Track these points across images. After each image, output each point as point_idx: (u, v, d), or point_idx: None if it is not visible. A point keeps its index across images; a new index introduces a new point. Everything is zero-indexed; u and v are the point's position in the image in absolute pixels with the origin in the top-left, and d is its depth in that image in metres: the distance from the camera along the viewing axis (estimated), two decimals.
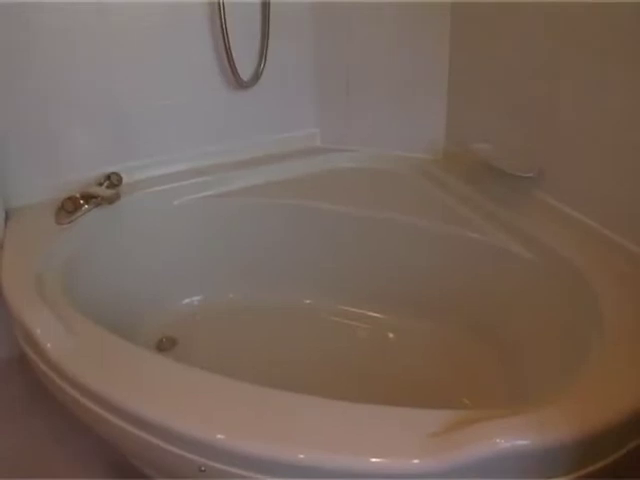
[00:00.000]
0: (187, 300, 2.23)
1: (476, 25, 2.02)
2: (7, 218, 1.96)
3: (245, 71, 2.19)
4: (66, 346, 1.35)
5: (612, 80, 1.57)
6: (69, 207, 1.93)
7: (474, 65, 2.07)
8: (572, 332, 1.50)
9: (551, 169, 1.82)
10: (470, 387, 1.82)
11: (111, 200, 1.97)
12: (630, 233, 1.58)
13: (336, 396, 1.15)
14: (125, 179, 2.08)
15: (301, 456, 1.04)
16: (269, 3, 2.13)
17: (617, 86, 1.56)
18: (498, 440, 1.01)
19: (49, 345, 1.35)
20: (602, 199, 1.67)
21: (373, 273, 2.12)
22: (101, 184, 2.04)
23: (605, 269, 1.55)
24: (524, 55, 1.85)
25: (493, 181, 1.98)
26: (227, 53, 2.10)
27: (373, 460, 1.02)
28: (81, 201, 1.95)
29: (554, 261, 1.66)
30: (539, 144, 1.86)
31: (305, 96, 2.38)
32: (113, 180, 2.05)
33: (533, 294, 1.72)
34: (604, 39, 1.57)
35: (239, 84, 2.19)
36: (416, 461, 1.01)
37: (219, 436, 1.08)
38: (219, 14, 2.04)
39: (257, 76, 2.22)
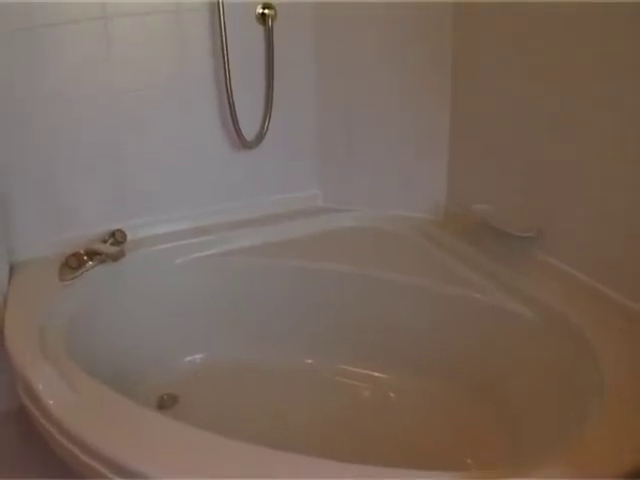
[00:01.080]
0: (189, 358, 2.22)
1: (476, 88, 2.08)
2: (11, 272, 1.98)
3: (249, 131, 2.23)
4: (67, 402, 1.35)
5: (607, 146, 1.61)
6: (73, 263, 1.95)
7: (475, 126, 2.12)
8: (572, 390, 1.50)
9: (550, 229, 1.85)
10: (473, 447, 1.81)
11: (115, 257, 1.98)
12: (627, 289, 1.61)
13: (337, 457, 1.14)
14: (129, 236, 2.10)
15: None
16: (273, 67, 2.19)
17: (612, 151, 1.60)
18: None
19: (51, 401, 1.35)
20: (599, 257, 1.70)
21: (374, 333, 2.11)
22: (105, 241, 2.06)
23: (604, 326, 1.56)
24: (523, 118, 1.89)
25: (493, 241, 1.99)
26: (232, 114, 2.15)
27: None
28: (85, 257, 1.97)
29: (554, 320, 1.67)
30: (538, 204, 1.89)
31: (307, 157, 2.42)
32: (117, 237, 2.07)
33: (534, 353, 1.72)
34: (600, 105, 1.62)
35: (243, 145, 2.23)
36: None
37: None
38: (224, 77, 2.10)
39: (261, 137, 2.26)
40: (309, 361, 2.20)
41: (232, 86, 2.11)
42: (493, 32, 1.97)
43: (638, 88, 1.49)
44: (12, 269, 2.00)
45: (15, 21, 1.88)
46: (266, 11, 2.15)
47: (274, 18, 2.16)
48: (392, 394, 2.07)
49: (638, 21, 1.46)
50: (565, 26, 1.68)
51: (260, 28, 2.18)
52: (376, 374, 2.13)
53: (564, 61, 1.70)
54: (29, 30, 1.91)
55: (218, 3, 2.01)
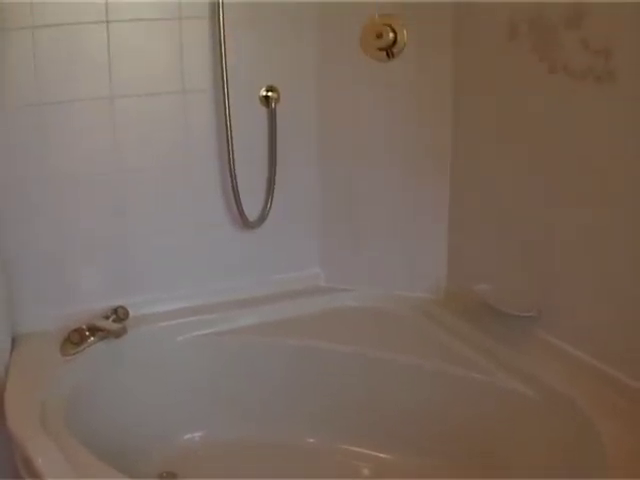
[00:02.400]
0: (189, 435, 2.19)
1: (475, 169, 2.14)
2: (13, 344, 1.98)
3: (251, 211, 2.27)
4: (66, 478, 1.34)
5: (606, 225, 1.66)
6: (75, 339, 1.95)
7: (474, 207, 2.17)
8: (574, 468, 1.50)
9: (550, 307, 1.88)
10: None
11: (117, 334, 1.99)
12: (628, 368, 1.62)
13: None
14: (131, 313, 2.11)
15: None
16: (275, 148, 2.25)
17: (611, 230, 1.65)
18: None
19: (49, 476, 1.34)
20: (600, 336, 1.71)
21: (375, 412, 2.10)
22: (108, 317, 2.07)
23: (605, 405, 1.57)
24: (523, 199, 1.95)
25: (494, 320, 2.01)
26: (235, 194, 2.20)
27: None
28: (87, 333, 1.97)
29: (555, 399, 1.68)
30: (538, 283, 1.92)
31: (309, 236, 2.45)
32: (120, 314, 2.08)
33: (535, 431, 1.72)
34: (600, 191, 1.67)
35: (245, 224, 2.27)
36: None
37: None
38: (228, 157, 2.15)
39: (263, 217, 2.30)
40: (310, 440, 2.18)
41: (235, 166, 2.16)
42: (492, 119, 2.05)
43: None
44: (14, 341, 2.00)
45: (22, 97, 1.96)
46: (270, 94, 2.22)
47: (277, 101, 2.23)
48: (393, 474, 2.05)
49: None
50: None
51: (264, 110, 2.25)
52: (377, 454, 2.10)
53: (563, 140, 1.78)
54: (36, 107, 1.98)
55: (223, 85, 2.08)
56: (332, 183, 2.38)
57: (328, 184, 2.39)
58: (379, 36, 2.14)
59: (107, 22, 2.00)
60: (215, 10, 2.05)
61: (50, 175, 2.04)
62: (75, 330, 1.97)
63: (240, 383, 2.21)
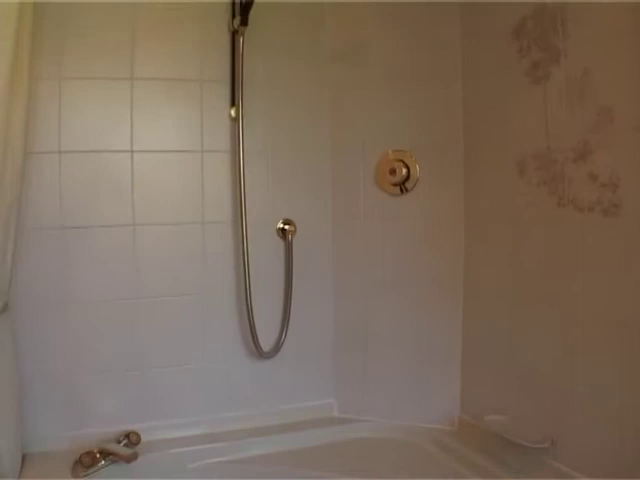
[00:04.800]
0: None
1: (487, 301, 2.22)
2: (24, 462, 1.99)
3: (266, 341, 2.32)
4: None
5: (616, 356, 1.69)
6: (86, 462, 1.97)
7: (485, 339, 2.22)
8: None
9: (563, 437, 1.87)
10: None
11: (128, 459, 2.00)
12: None
13: None
14: (143, 437, 2.12)
15: None
16: (292, 280, 2.33)
17: (620, 362, 1.68)
18: None
19: None
20: (612, 463, 1.70)
21: None
22: (120, 441, 2.09)
23: None
24: (531, 331, 2.00)
25: (507, 451, 2.00)
26: (250, 325, 2.26)
27: None
28: (98, 456, 1.99)
29: None
30: (551, 415, 1.92)
31: (323, 367, 2.47)
32: (132, 439, 2.10)
33: None
34: (605, 321, 1.72)
35: (260, 354, 2.31)
36: None
37: None
38: (245, 288, 2.24)
39: (278, 348, 2.35)
40: None
41: (251, 296, 2.24)
42: (502, 251, 2.13)
43: None
44: (25, 459, 2.01)
45: (45, 220, 2.10)
46: (286, 227, 2.34)
47: (294, 233, 2.34)
48: None
49: None
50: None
51: (280, 242, 2.35)
52: None
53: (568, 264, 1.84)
54: (59, 230, 2.12)
55: (241, 217, 2.20)
56: (346, 315, 2.44)
57: (342, 316, 2.45)
58: (393, 172, 2.27)
59: (132, 152, 2.18)
60: (235, 145, 2.21)
61: (68, 298, 2.14)
62: (87, 453, 1.99)
63: None
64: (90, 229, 2.15)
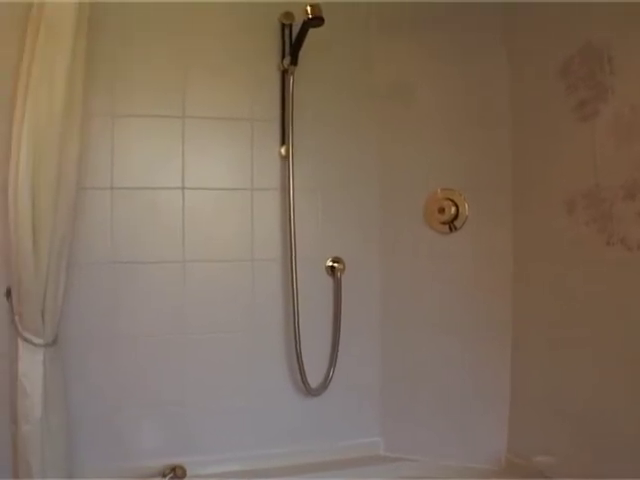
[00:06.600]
0: None
1: (537, 343, 2.19)
2: None
3: (313, 377, 2.32)
4: None
5: None
6: None
7: (535, 379, 2.20)
8: None
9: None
10: None
11: None
12: None
13: None
14: (188, 471, 2.14)
15: None
16: (340, 317, 2.34)
17: None
18: None
19: None
20: None
21: None
22: (165, 475, 2.11)
23: None
24: (581, 374, 1.98)
25: None
26: (298, 362, 2.27)
27: None
28: None
29: None
30: (599, 456, 1.89)
31: (370, 405, 2.46)
32: (177, 473, 2.12)
33: None
34: None
35: (307, 391, 2.32)
36: None
37: None
38: (293, 325, 2.25)
39: (325, 385, 2.35)
40: None
41: (300, 333, 2.25)
42: (551, 291, 2.13)
43: None
44: None
45: (96, 254, 2.15)
46: (335, 265, 2.35)
47: (342, 271, 2.35)
48: None
49: None
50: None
51: (329, 280, 2.37)
52: None
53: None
54: (109, 264, 2.16)
55: (291, 255, 2.22)
56: (393, 352, 2.44)
57: (389, 353, 2.44)
58: (441, 211, 2.29)
59: (183, 189, 2.22)
60: (285, 182, 2.25)
61: (116, 332, 2.18)
62: None
63: None
64: (140, 264, 2.19)
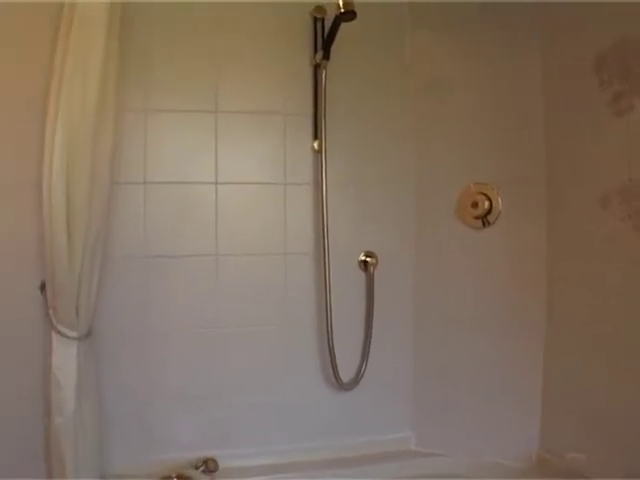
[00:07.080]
0: None
1: (570, 338, 2.17)
2: None
3: (345, 372, 2.32)
4: None
5: None
6: None
7: (568, 378, 2.17)
8: None
9: None
10: None
11: None
12: None
13: None
14: (221, 464, 2.15)
15: None
16: (372, 312, 2.34)
17: None
18: None
19: None
20: None
21: None
22: (197, 468, 2.12)
23: None
24: (616, 371, 1.96)
25: None
26: (331, 357, 2.27)
27: None
28: None
29: None
30: (631, 455, 1.87)
31: (402, 400, 2.46)
32: (209, 466, 2.13)
33: None
34: None
35: (340, 386, 2.32)
36: None
37: None
38: (326, 319, 2.25)
39: (357, 380, 2.35)
40: None
41: (332, 328, 2.25)
42: (586, 287, 2.10)
43: None
44: None
45: (129, 248, 2.17)
46: (368, 259, 2.35)
47: (375, 266, 2.35)
48: None
49: None
50: None
51: (362, 274, 2.36)
52: None
53: None
54: (142, 259, 2.19)
55: (323, 249, 2.22)
56: (425, 347, 2.43)
57: (421, 348, 2.44)
58: (475, 205, 2.27)
59: (216, 184, 2.23)
60: (318, 177, 2.25)
61: (149, 326, 2.21)
62: (165, 478, 2.03)
63: None
64: (173, 259, 2.21)
